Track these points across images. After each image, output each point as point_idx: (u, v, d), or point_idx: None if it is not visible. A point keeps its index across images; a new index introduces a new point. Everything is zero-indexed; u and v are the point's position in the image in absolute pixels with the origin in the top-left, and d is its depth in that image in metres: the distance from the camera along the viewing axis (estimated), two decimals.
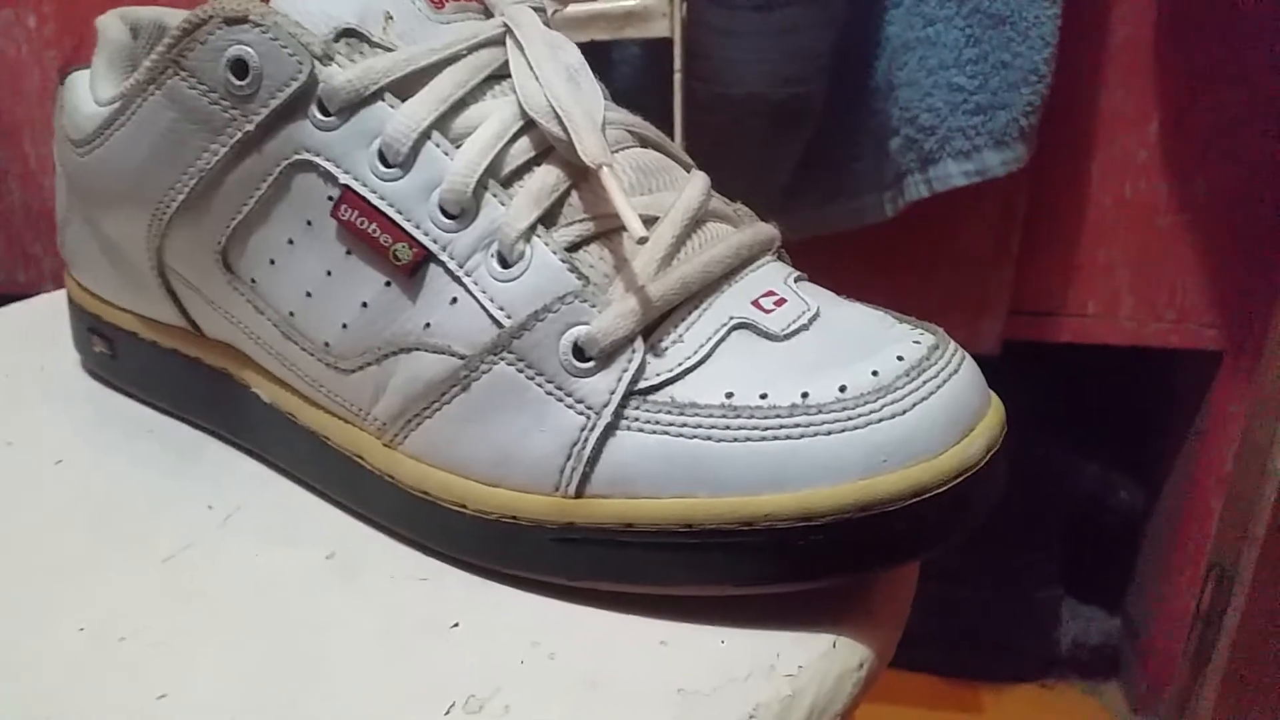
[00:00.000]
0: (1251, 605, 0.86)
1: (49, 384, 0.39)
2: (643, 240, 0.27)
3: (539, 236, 0.28)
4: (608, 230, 0.29)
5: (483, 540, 0.29)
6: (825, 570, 0.27)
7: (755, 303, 0.29)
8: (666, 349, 0.28)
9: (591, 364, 0.27)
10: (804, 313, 0.29)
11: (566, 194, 0.29)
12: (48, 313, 0.45)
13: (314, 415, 0.32)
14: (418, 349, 0.29)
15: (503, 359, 0.28)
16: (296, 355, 0.31)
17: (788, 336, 0.28)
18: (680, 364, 0.27)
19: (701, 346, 0.28)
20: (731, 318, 0.28)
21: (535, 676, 0.26)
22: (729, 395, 0.27)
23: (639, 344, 0.27)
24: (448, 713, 0.24)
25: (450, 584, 0.29)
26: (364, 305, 0.29)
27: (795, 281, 0.30)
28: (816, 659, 0.27)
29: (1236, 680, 0.87)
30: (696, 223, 0.30)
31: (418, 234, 0.28)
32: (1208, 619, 0.90)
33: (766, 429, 0.26)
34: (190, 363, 0.35)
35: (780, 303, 0.29)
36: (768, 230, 0.32)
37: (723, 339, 0.28)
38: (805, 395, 0.26)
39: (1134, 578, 1.03)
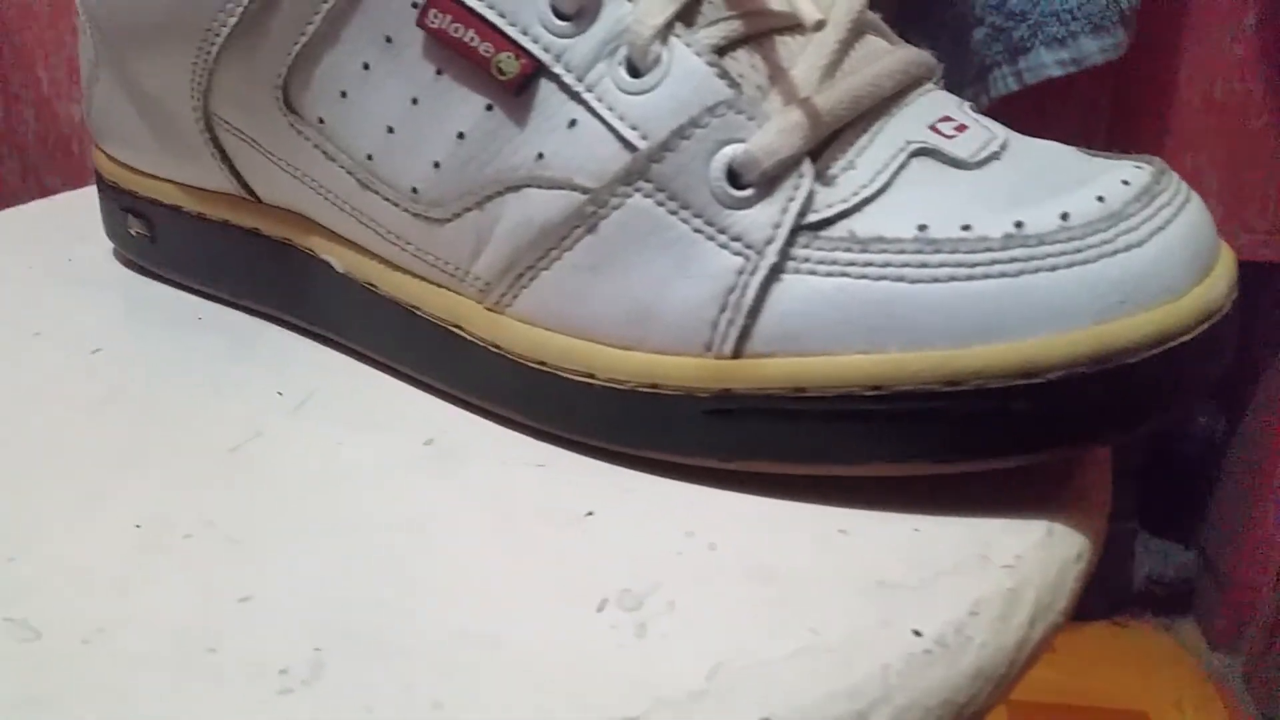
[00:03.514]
0: None
1: (78, 274, 0.34)
2: (819, 25, 0.22)
3: (678, 37, 0.23)
4: (758, 33, 0.23)
5: (614, 417, 0.24)
6: (1048, 440, 0.22)
7: (933, 127, 0.24)
8: (836, 177, 0.23)
9: (750, 192, 0.22)
10: (991, 140, 0.24)
11: None
12: (72, 208, 0.40)
13: (400, 281, 0.27)
14: (529, 185, 0.24)
15: (638, 190, 0.23)
16: (377, 208, 0.26)
17: (979, 164, 0.23)
18: (856, 193, 0.22)
19: (879, 174, 0.23)
20: (909, 142, 0.23)
21: (697, 569, 0.21)
22: (922, 228, 0.22)
23: (807, 167, 0.22)
24: (600, 610, 0.20)
25: (574, 470, 0.24)
26: (460, 137, 0.24)
27: (971, 109, 0.25)
28: (1033, 548, 0.22)
29: None
30: (857, 32, 0.25)
31: (525, 41, 0.23)
32: None
33: (975, 265, 0.21)
34: (245, 235, 0.30)
35: (961, 128, 0.24)
36: (928, 55, 0.27)
37: (902, 165, 0.23)
38: (1020, 225, 0.21)
39: (1212, 509, 0.98)
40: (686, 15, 0.23)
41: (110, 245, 0.35)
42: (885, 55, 0.24)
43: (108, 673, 0.18)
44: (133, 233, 0.33)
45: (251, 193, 0.30)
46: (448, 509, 0.23)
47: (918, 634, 0.19)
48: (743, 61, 0.23)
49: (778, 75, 0.23)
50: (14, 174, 0.85)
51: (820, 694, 0.18)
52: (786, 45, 0.23)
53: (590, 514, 0.23)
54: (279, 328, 0.30)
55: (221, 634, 0.19)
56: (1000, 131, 0.24)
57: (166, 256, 0.33)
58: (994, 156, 0.23)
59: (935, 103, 0.25)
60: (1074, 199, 0.22)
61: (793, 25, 0.24)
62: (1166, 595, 0.98)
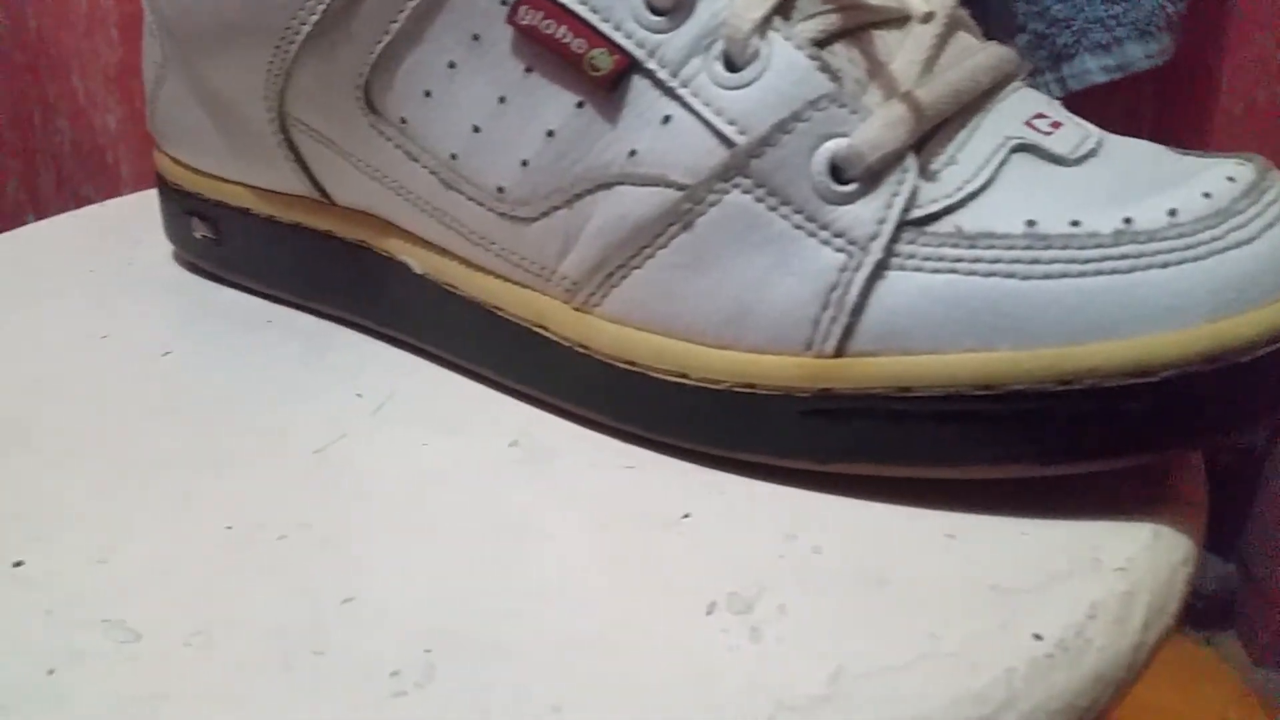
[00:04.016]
0: None
1: (141, 278, 0.34)
2: (928, 17, 0.21)
3: (776, 30, 0.22)
4: (855, 26, 0.23)
5: (707, 417, 0.23)
6: (1159, 440, 0.21)
7: (1029, 124, 0.23)
8: (938, 172, 0.22)
9: (853, 187, 0.22)
10: (1087, 137, 0.23)
11: None
12: (127, 212, 0.40)
13: (482, 282, 0.26)
14: (621, 183, 0.23)
15: (736, 186, 0.22)
16: (461, 207, 0.26)
17: (1078, 161, 0.23)
18: (960, 188, 0.22)
19: (982, 169, 0.22)
20: (1008, 138, 0.23)
21: (803, 573, 0.20)
22: (1031, 223, 0.21)
23: (911, 161, 0.22)
24: (710, 613, 0.19)
25: (665, 472, 0.24)
26: (549, 135, 0.24)
27: (1061, 106, 0.25)
28: (1141, 551, 0.21)
29: None
30: (952, 27, 0.24)
31: (618, 37, 0.23)
32: None
33: (1086, 261, 0.21)
34: (318, 237, 0.30)
35: (1056, 125, 0.24)
36: (1015, 52, 0.26)
37: (1004, 161, 0.22)
38: (1129, 221, 0.21)
39: (1252, 520, 0.97)
40: (783, 9, 0.23)
41: (169, 248, 0.35)
42: (979, 51, 0.24)
43: (214, 675, 0.18)
44: (197, 236, 0.33)
45: (325, 195, 0.29)
46: (542, 510, 0.22)
47: (1038, 638, 0.19)
48: (840, 55, 0.23)
49: (877, 69, 0.23)
50: (49, 184, 0.86)
51: (945, 699, 0.18)
52: (883, 39, 0.23)
53: (687, 516, 0.22)
54: (351, 330, 0.30)
55: (327, 636, 0.19)
56: (1093, 129, 0.24)
57: (233, 259, 0.33)
58: (1091, 153, 0.23)
59: (1028, 99, 0.24)
60: (1181, 195, 0.21)
61: (889, 19, 0.23)
62: (1207, 608, 0.97)
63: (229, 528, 0.22)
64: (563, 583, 0.20)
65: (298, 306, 0.31)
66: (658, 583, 0.20)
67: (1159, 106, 0.77)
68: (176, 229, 0.34)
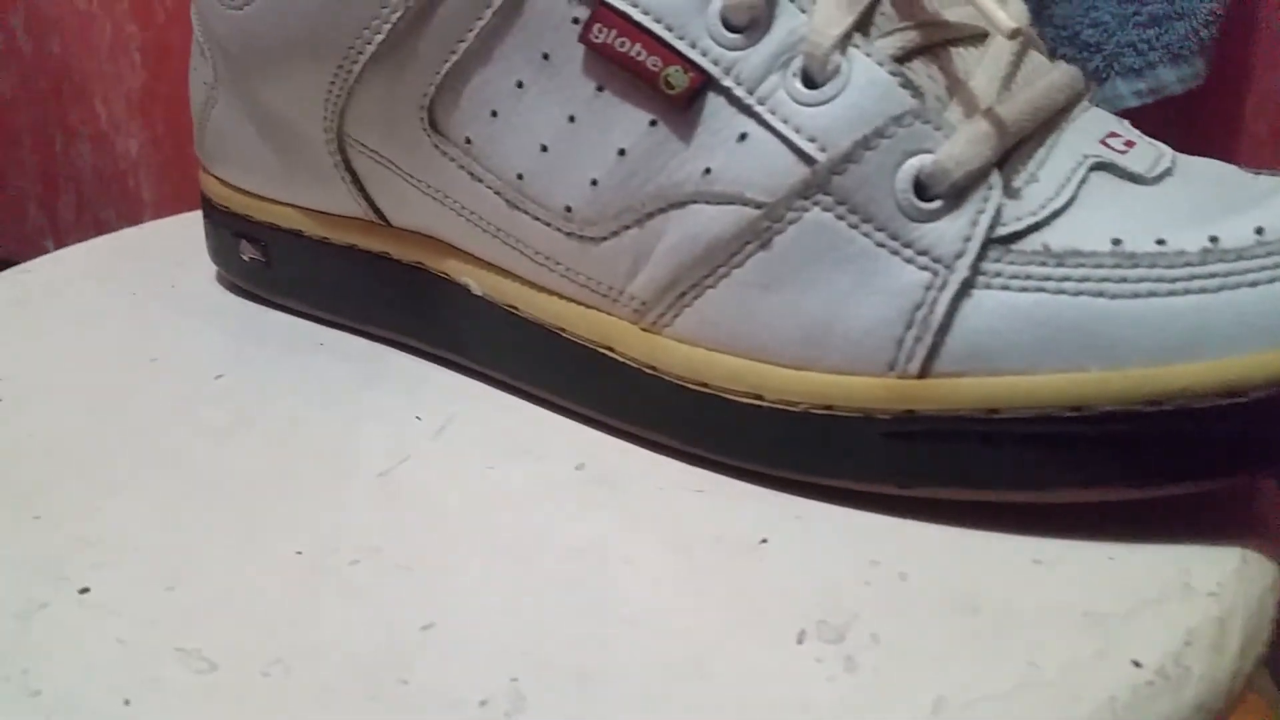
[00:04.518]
0: None
1: (185, 301, 0.34)
2: (1015, 35, 0.21)
3: (856, 47, 0.22)
4: (933, 43, 0.23)
5: (783, 440, 0.23)
6: (1248, 461, 0.21)
7: (1104, 142, 0.23)
8: (1020, 190, 0.22)
9: (938, 204, 0.21)
10: (1161, 156, 0.23)
11: None
12: (165, 234, 0.40)
13: (546, 303, 0.26)
14: (695, 201, 0.23)
15: (817, 204, 0.22)
16: (526, 228, 0.25)
17: (1156, 180, 0.22)
18: (1044, 206, 0.22)
19: (1064, 187, 0.22)
20: (1086, 156, 0.22)
21: (892, 600, 0.20)
22: (1117, 242, 0.21)
23: (995, 179, 0.21)
24: (801, 642, 0.19)
25: (737, 496, 0.23)
26: (621, 154, 0.23)
27: (1131, 125, 0.25)
28: (1231, 576, 0.21)
29: None
30: (1026, 45, 0.24)
31: (694, 54, 0.22)
32: None
33: (1175, 280, 0.20)
34: (373, 259, 0.30)
35: (1130, 144, 0.23)
36: (1080, 72, 0.26)
37: (1084, 179, 0.22)
38: (1215, 239, 0.20)
39: None
40: (862, 25, 0.22)
41: (212, 271, 0.35)
42: (1053, 69, 0.24)
43: (297, 706, 0.18)
44: (245, 258, 0.33)
45: (382, 216, 0.29)
46: (617, 535, 0.22)
47: (1137, 665, 0.18)
48: (920, 72, 0.22)
49: (956, 86, 0.22)
50: (69, 208, 0.86)
51: None
52: (961, 56, 0.23)
53: (764, 541, 0.22)
54: (405, 353, 0.30)
55: (410, 664, 0.18)
56: (1165, 148, 0.24)
57: (283, 282, 0.32)
58: (1167, 172, 0.23)
59: (1099, 118, 0.24)
60: (1267, 214, 0.21)
61: (966, 36, 0.23)
62: None
63: (299, 553, 0.21)
64: (647, 608, 0.20)
65: (349, 329, 0.31)
66: (744, 609, 0.20)
67: (1183, 129, 0.77)
68: (223, 252, 0.34)
